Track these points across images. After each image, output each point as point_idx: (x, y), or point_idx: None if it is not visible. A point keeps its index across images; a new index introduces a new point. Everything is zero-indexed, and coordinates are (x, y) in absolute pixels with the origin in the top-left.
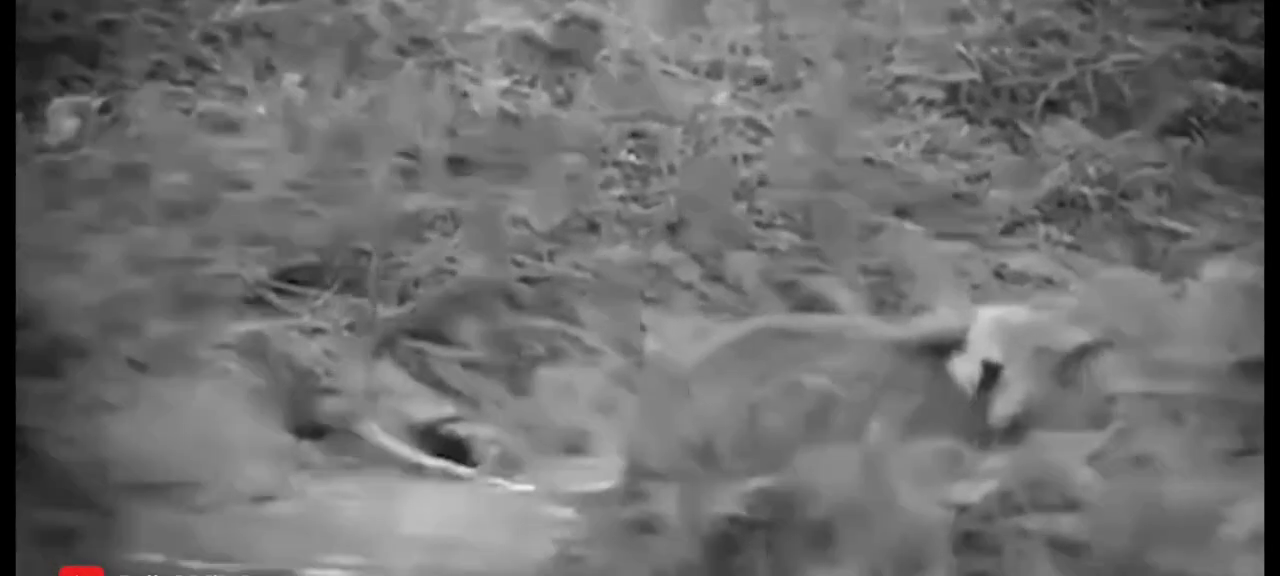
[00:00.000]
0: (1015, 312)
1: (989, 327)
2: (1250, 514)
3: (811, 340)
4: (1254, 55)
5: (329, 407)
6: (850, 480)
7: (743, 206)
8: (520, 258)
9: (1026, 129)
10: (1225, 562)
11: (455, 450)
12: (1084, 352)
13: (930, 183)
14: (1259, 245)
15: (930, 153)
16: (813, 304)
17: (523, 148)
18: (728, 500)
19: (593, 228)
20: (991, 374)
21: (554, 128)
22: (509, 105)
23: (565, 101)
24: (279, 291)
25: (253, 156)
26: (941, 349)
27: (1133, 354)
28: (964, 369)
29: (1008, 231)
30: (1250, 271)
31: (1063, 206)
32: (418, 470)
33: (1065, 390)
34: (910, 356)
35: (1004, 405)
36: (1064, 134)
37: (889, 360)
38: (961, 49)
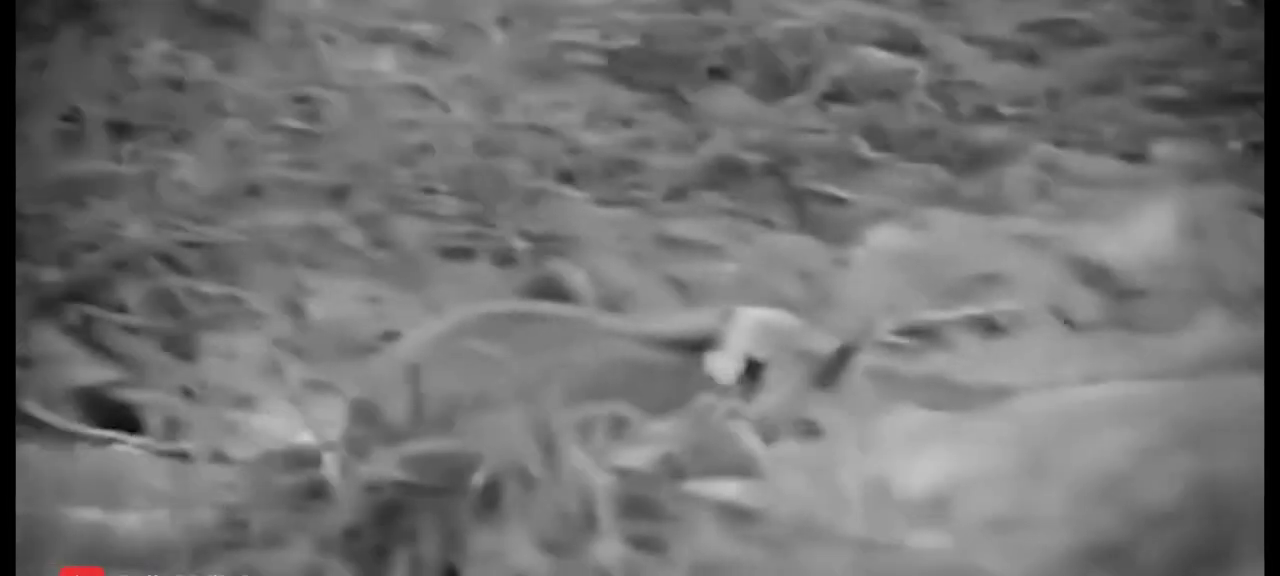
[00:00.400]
0: (778, 315)
1: (750, 327)
2: (921, 475)
3: (560, 327)
4: (912, 22)
5: None
6: (517, 444)
7: (407, 172)
8: (182, 222)
9: (688, 96)
10: (896, 528)
11: (119, 416)
12: (845, 356)
13: (592, 148)
14: (922, 213)
15: (592, 118)
16: (548, 287)
17: (185, 112)
18: (394, 464)
19: (255, 192)
20: (754, 371)
21: (216, 92)
22: (171, 70)
23: (227, 66)
24: None
25: None
26: (697, 346)
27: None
28: (722, 365)
29: (670, 198)
30: (910, 238)
31: (724, 172)
32: (77, 438)
33: (824, 392)
34: (660, 350)
35: (763, 404)
36: (724, 100)
37: (639, 353)
38: (624, 16)
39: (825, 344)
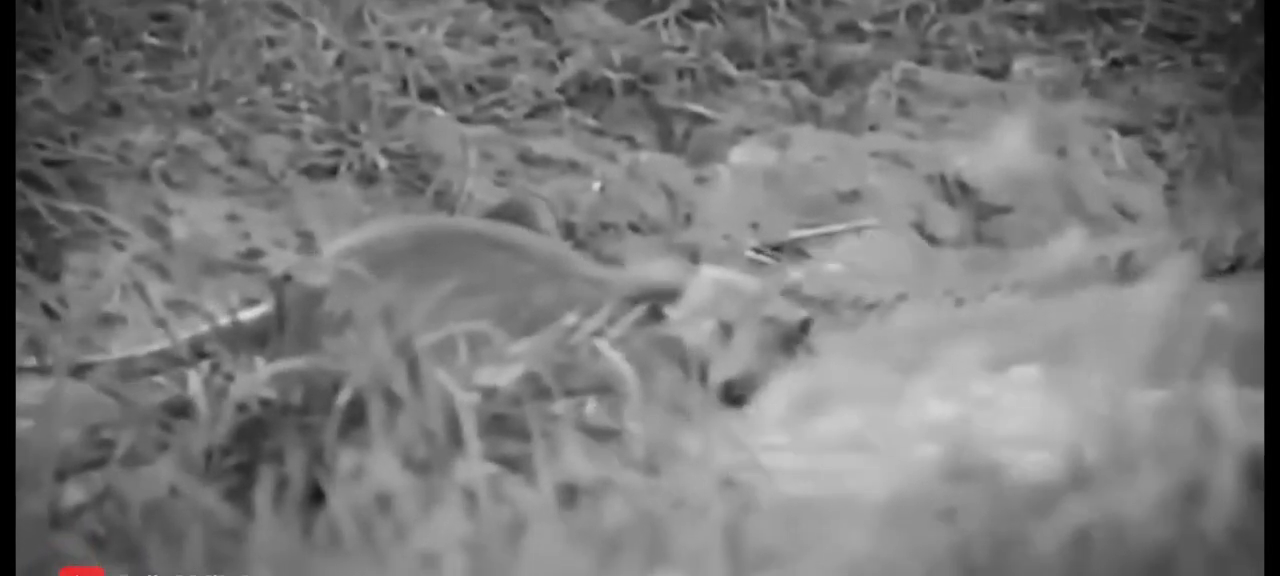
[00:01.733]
0: (740, 278)
1: (710, 287)
2: (783, 392)
3: (525, 258)
4: None
5: None
6: (381, 362)
7: (268, 90)
8: (44, 140)
9: (549, 13)
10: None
11: None
12: (806, 326)
13: (455, 66)
14: (784, 130)
15: (454, 36)
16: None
17: (44, 31)
18: (258, 382)
19: (117, 111)
20: (725, 332)
21: (75, 10)
22: None
23: None
24: None
25: None
26: (658, 298)
27: (659, 238)
28: (692, 329)
29: (532, 115)
30: (772, 155)
31: (586, 90)
32: None
33: (784, 360)
34: (624, 302)
35: (726, 367)
36: (586, 18)
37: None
38: None
39: (784, 308)
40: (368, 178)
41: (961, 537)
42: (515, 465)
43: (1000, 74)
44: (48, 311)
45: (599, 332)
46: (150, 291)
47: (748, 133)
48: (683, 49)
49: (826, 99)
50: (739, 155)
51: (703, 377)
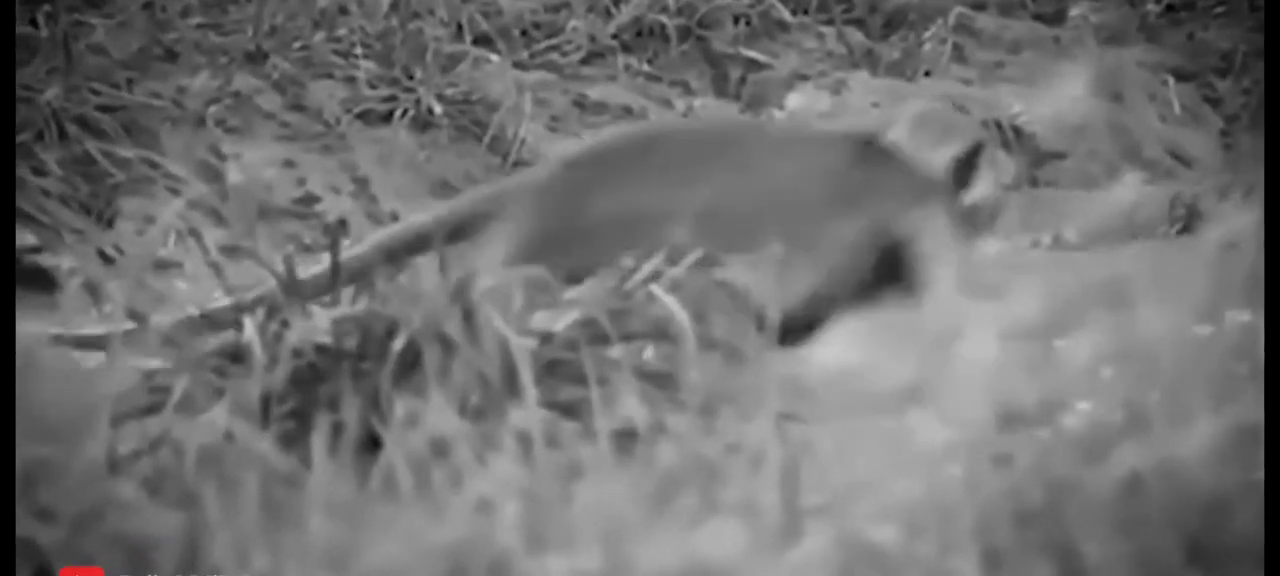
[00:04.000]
0: (933, 108)
1: (914, 116)
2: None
3: (746, 143)
4: None
5: None
6: (437, 308)
7: (322, 35)
8: (99, 86)
9: None
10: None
11: (40, 280)
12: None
13: (509, 11)
14: (836, 76)
15: None
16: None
17: None
18: (314, 328)
19: (171, 56)
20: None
21: None
22: None
23: None
24: None
25: None
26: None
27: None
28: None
29: (587, 61)
30: (827, 101)
31: (641, 36)
32: None
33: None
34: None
35: (981, 190)
36: None
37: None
38: None
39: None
40: (423, 123)
41: (1015, 483)
42: (571, 411)
43: (1055, 19)
44: (103, 257)
45: (655, 276)
46: (205, 237)
47: (803, 78)
48: None
49: (882, 44)
50: (794, 101)
51: (760, 323)
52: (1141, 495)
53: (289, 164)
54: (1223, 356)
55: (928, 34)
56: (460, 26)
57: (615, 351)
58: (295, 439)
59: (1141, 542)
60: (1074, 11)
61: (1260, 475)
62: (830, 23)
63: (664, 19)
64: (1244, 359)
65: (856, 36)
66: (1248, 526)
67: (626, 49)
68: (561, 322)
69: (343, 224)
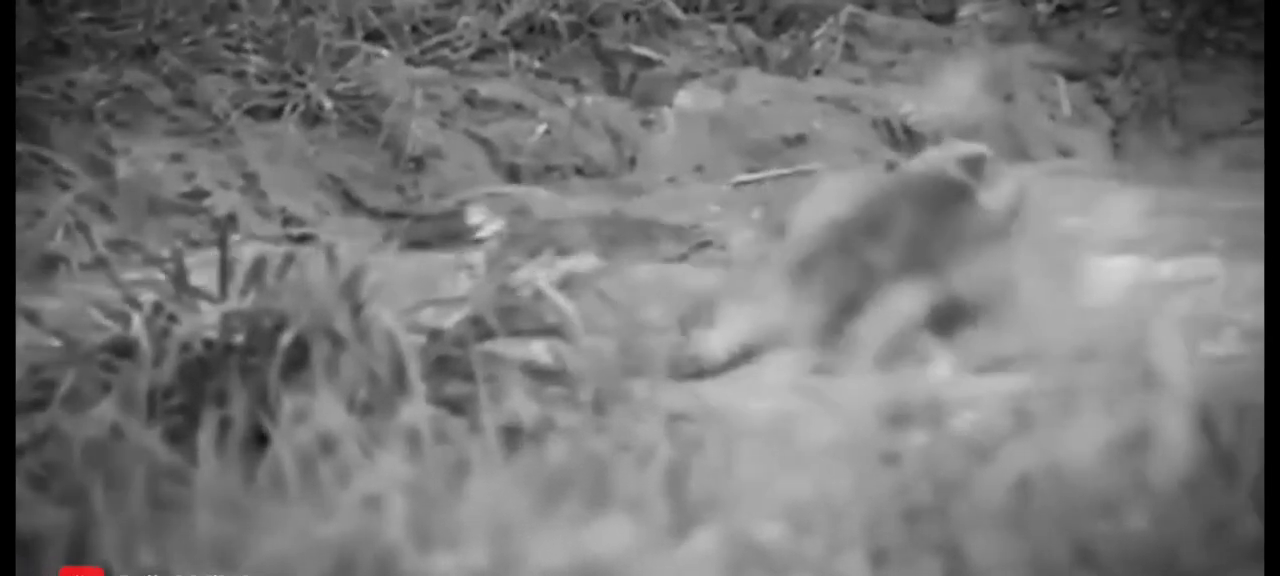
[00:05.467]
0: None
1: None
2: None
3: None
4: None
5: None
6: (326, 303)
7: (213, 30)
8: None
9: None
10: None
11: None
12: None
13: (401, 7)
14: (727, 73)
15: None
16: None
17: None
18: (202, 323)
19: (62, 50)
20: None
21: None
22: None
23: None
24: None
25: None
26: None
27: (604, 181)
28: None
29: (478, 57)
30: (717, 99)
31: (532, 33)
32: None
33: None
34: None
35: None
36: None
37: None
38: None
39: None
40: (313, 119)
41: (903, 481)
42: (459, 407)
43: (946, 19)
44: None
45: (548, 275)
46: (94, 231)
47: (693, 76)
48: None
49: (772, 43)
50: (684, 98)
51: (650, 319)
52: (1030, 495)
53: (178, 158)
54: (1111, 357)
55: (819, 32)
56: (351, 22)
57: (504, 348)
58: (183, 434)
59: (1030, 543)
60: (965, 11)
61: (1150, 478)
62: (721, 20)
63: (555, 16)
64: (1131, 361)
65: (747, 34)
66: (1137, 528)
67: (517, 45)
68: (450, 319)
69: (232, 219)
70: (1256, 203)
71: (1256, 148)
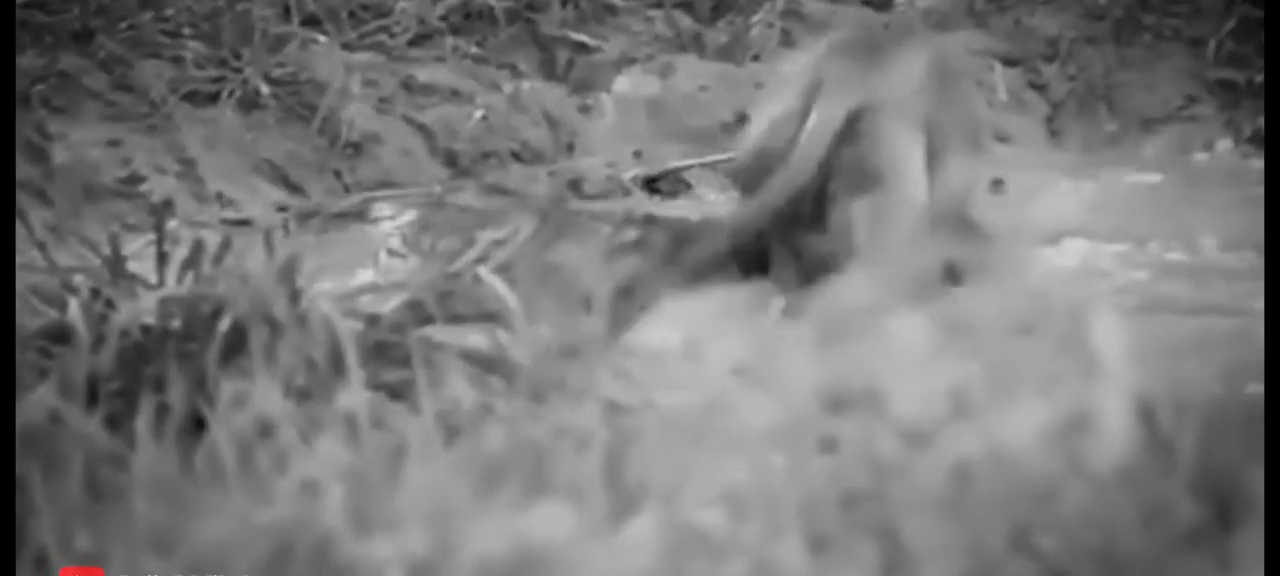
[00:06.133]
0: None
1: None
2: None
3: None
4: None
5: None
6: (264, 289)
7: (150, 15)
8: None
9: None
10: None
11: None
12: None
13: None
14: (664, 59)
15: None
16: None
17: None
18: (140, 309)
19: None
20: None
21: None
22: None
23: None
24: None
25: None
26: None
27: (541, 166)
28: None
29: (415, 43)
30: (655, 84)
31: (469, 18)
32: None
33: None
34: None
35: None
36: None
37: None
38: None
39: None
40: (250, 104)
41: (841, 467)
42: (397, 393)
43: (883, 4)
44: None
45: (483, 259)
46: (30, 217)
47: (631, 62)
48: None
49: (710, 28)
50: (622, 84)
51: (588, 305)
52: (968, 480)
53: (115, 144)
54: (1049, 341)
55: (756, 18)
56: (288, 8)
57: (442, 334)
58: (121, 420)
59: (968, 528)
60: None
61: (1090, 464)
62: (658, 6)
63: (492, 1)
64: (1070, 345)
65: (685, 20)
66: (1074, 515)
67: (455, 31)
68: (388, 305)
69: (168, 204)
70: (1193, 189)
71: (1193, 133)
